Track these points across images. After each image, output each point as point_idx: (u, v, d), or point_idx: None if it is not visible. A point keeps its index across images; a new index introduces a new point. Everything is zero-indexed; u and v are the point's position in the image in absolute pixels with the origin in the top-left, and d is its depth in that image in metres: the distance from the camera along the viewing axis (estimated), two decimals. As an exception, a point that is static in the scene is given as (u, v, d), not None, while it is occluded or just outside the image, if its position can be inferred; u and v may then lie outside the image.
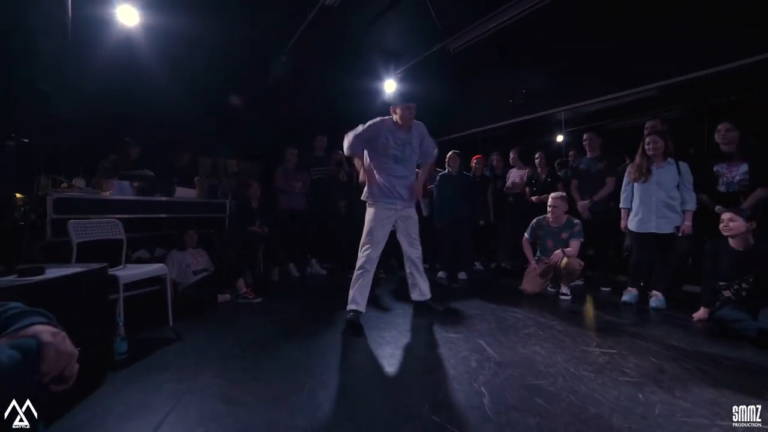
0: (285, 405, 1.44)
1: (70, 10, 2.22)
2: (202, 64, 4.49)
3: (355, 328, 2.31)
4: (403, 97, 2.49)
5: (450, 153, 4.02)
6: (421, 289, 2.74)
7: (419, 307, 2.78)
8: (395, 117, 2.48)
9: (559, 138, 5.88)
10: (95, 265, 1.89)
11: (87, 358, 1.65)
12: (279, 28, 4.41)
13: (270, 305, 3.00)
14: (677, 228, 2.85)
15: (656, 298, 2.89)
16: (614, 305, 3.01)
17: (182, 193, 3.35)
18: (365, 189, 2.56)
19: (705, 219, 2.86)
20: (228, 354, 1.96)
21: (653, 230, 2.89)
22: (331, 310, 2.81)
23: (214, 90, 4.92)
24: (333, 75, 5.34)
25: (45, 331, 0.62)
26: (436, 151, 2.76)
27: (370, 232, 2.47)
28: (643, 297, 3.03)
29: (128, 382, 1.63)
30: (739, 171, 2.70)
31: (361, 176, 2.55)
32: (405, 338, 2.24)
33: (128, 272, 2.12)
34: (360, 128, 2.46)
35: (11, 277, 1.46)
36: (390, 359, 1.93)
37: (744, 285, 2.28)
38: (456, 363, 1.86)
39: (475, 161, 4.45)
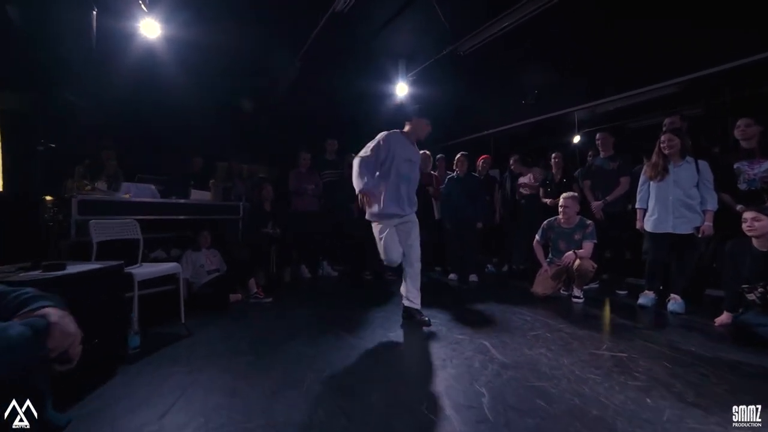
0: (284, 399, 1.47)
1: (95, 22, 2.36)
2: (217, 72, 4.67)
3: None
4: (423, 112, 2.49)
5: (458, 155, 4.01)
6: (407, 295, 2.53)
7: (405, 312, 2.57)
8: (408, 129, 2.50)
9: (576, 139, 5.75)
10: (112, 263, 1.99)
11: (101, 350, 1.73)
12: (291, 34, 4.53)
13: (280, 305, 3.06)
14: (697, 229, 2.73)
15: (674, 302, 2.77)
16: (630, 308, 2.91)
17: (197, 196, 3.48)
18: (370, 209, 2.45)
19: (727, 219, 2.72)
20: (235, 349, 2.02)
21: (670, 230, 2.78)
22: (339, 310, 2.85)
23: (228, 96, 5.10)
24: (344, 79, 5.42)
25: (53, 312, 0.71)
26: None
27: (383, 246, 2.44)
28: (662, 301, 2.91)
29: (139, 373, 1.71)
30: (762, 168, 2.56)
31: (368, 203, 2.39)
32: (411, 338, 2.24)
33: (143, 270, 2.23)
34: (368, 151, 2.36)
35: (36, 272, 1.56)
36: (393, 358, 1.94)
37: (768, 288, 2.16)
38: (459, 363, 1.85)
39: (481, 161, 4.41)
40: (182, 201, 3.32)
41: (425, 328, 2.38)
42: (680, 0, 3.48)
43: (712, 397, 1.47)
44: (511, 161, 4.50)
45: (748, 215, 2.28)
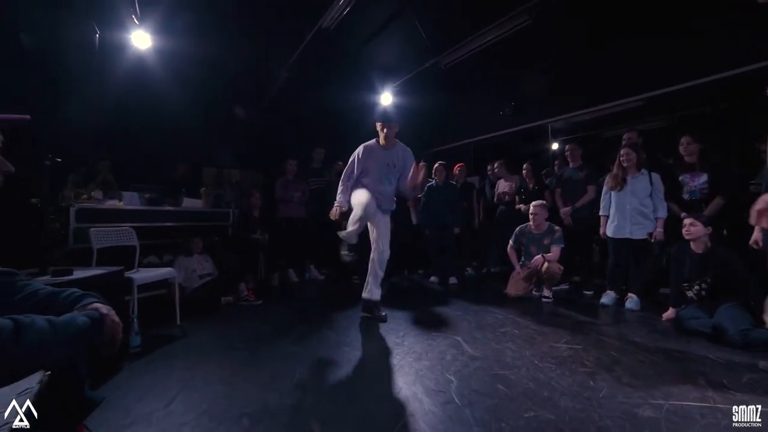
0: (277, 388, 1.67)
1: (97, 38, 2.50)
2: (207, 83, 4.81)
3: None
4: (385, 116, 2.73)
5: (436, 164, 4.27)
6: (369, 288, 2.78)
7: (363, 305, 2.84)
8: (381, 134, 2.71)
9: (554, 146, 6.11)
10: (113, 268, 2.15)
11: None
12: (279, 46, 4.72)
13: (270, 307, 3.23)
14: (650, 234, 3.04)
15: (631, 300, 3.08)
16: (592, 307, 3.19)
17: (189, 203, 3.62)
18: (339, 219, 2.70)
19: (674, 226, 3.04)
20: (229, 347, 2.19)
21: (627, 236, 3.09)
22: (325, 312, 3.04)
23: (218, 105, 5.24)
24: (330, 89, 5.63)
25: (103, 306, 0.91)
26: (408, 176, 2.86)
27: (359, 206, 2.54)
28: (622, 300, 3.21)
29: (142, 369, 1.87)
30: (701, 180, 2.91)
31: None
32: (389, 335, 2.45)
33: (141, 275, 2.37)
34: (349, 170, 2.67)
35: (46, 277, 1.71)
36: (374, 352, 2.15)
37: (703, 285, 2.47)
38: (433, 356, 2.07)
39: (457, 169, 4.68)
40: (174, 208, 3.46)
41: (390, 331, 2.61)
42: (644, 26, 3.84)
43: (642, 378, 1.74)
44: (496, 165, 4.73)
45: (687, 221, 2.60)
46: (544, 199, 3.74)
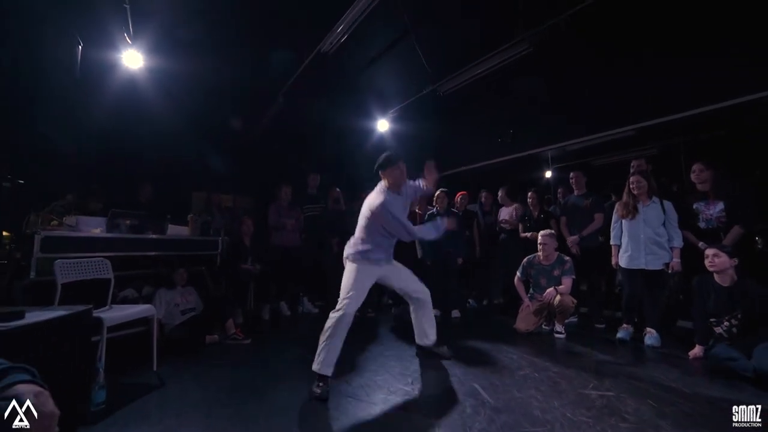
0: (270, 460, 1.37)
1: (79, 56, 2.32)
2: (201, 104, 4.65)
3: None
4: (391, 158, 2.28)
5: (438, 192, 4.12)
6: (424, 331, 2.65)
7: (424, 352, 2.68)
8: (385, 183, 2.31)
9: (547, 174, 6.09)
10: (79, 308, 1.84)
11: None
12: (277, 69, 4.64)
13: (259, 346, 2.90)
14: (666, 265, 2.89)
15: (650, 335, 2.87)
16: (609, 343, 2.97)
17: (175, 231, 3.34)
18: (351, 248, 2.32)
19: (690, 255, 2.91)
20: (212, 400, 1.87)
21: (642, 266, 2.93)
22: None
23: (211, 127, 5.06)
24: (327, 114, 5.55)
25: (29, 391, 0.62)
26: (421, 186, 2.59)
27: (350, 286, 2.20)
28: (638, 333, 3.01)
29: (103, 435, 1.54)
30: (717, 209, 2.80)
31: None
32: (398, 382, 2.17)
33: (113, 314, 2.07)
34: (398, 220, 2.21)
35: (-10, 323, 1.41)
36: (382, 405, 1.86)
37: (734, 321, 2.29)
38: (450, 408, 1.80)
39: (459, 197, 4.55)
40: (158, 236, 3.17)
41: (398, 375, 2.34)
42: (639, 58, 3.90)
43: (699, 439, 1.51)
44: (499, 193, 4.61)
45: (709, 252, 2.45)
46: (550, 227, 3.60)
